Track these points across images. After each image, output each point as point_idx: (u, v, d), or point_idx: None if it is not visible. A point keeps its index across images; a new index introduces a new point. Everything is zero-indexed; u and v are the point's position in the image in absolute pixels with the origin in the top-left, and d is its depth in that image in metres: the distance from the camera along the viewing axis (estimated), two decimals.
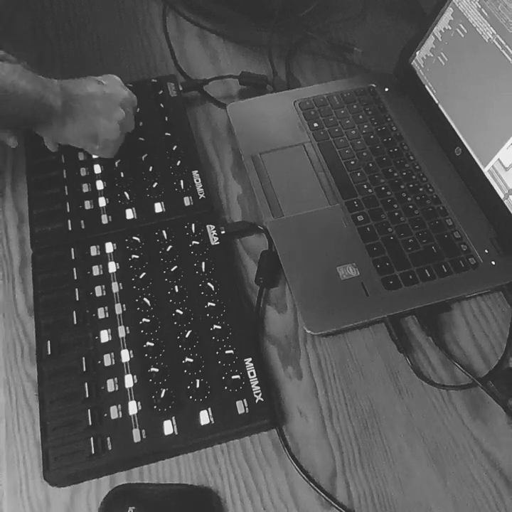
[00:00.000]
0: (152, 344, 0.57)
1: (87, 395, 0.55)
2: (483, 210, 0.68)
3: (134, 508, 0.50)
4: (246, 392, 0.55)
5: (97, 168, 0.70)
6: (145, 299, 0.60)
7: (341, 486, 0.54)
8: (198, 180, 0.70)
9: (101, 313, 0.60)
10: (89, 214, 0.67)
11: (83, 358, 0.57)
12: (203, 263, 0.63)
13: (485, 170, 0.67)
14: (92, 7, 0.91)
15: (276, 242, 0.66)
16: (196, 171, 0.70)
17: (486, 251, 0.65)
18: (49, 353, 0.57)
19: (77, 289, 0.61)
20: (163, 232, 0.65)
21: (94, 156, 0.71)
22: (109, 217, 0.67)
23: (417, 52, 0.77)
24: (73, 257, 0.63)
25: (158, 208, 0.67)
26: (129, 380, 0.56)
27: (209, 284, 0.61)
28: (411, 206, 0.69)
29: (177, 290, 0.61)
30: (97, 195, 0.68)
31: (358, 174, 0.72)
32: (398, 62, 0.81)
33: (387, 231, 0.67)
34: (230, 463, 0.55)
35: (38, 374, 0.57)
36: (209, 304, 0.60)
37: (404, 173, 0.72)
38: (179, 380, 0.56)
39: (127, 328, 0.59)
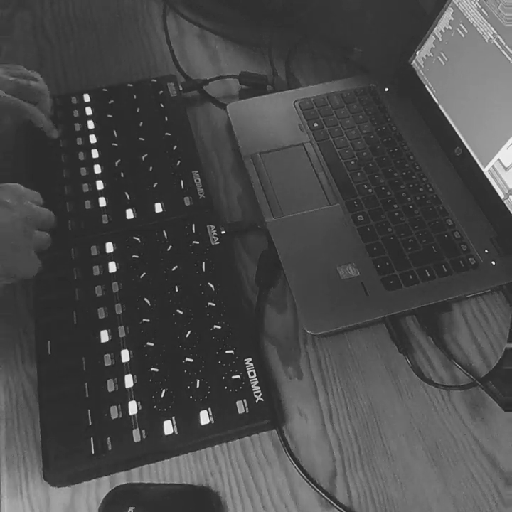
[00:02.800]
0: (152, 344, 0.57)
1: (87, 395, 0.55)
2: (483, 210, 0.68)
3: (134, 508, 0.50)
4: (246, 392, 0.55)
5: (97, 168, 0.70)
6: (145, 299, 0.60)
7: (341, 486, 0.54)
8: (198, 180, 0.70)
9: (101, 313, 0.60)
10: (89, 214, 0.67)
11: (83, 358, 0.57)
12: (203, 263, 0.62)
13: (485, 170, 0.67)
14: (92, 7, 0.91)
15: (276, 242, 0.66)
16: (196, 171, 0.70)
17: (486, 251, 0.65)
18: (49, 353, 0.57)
19: (77, 289, 0.61)
20: (164, 232, 0.65)
21: (94, 156, 0.71)
22: (109, 217, 0.66)
23: (417, 52, 0.77)
24: (73, 257, 0.63)
25: (158, 207, 0.67)
26: (129, 380, 0.56)
27: (209, 284, 0.61)
28: (411, 206, 0.69)
29: (177, 290, 0.61)
30: (97, 195, 0.68)
31: (358, 174, 0.72)
32: (398, 62, 0.81)
33: (387, 231, 0.67)
34: (230, 463, 0.55)
35: (38, 374, 0.56)
36: (209, 303, 0.60)
37: (404, 173, 0.72)
38: (179, 380, 0.56)
39: (127, 328, 0.59)
